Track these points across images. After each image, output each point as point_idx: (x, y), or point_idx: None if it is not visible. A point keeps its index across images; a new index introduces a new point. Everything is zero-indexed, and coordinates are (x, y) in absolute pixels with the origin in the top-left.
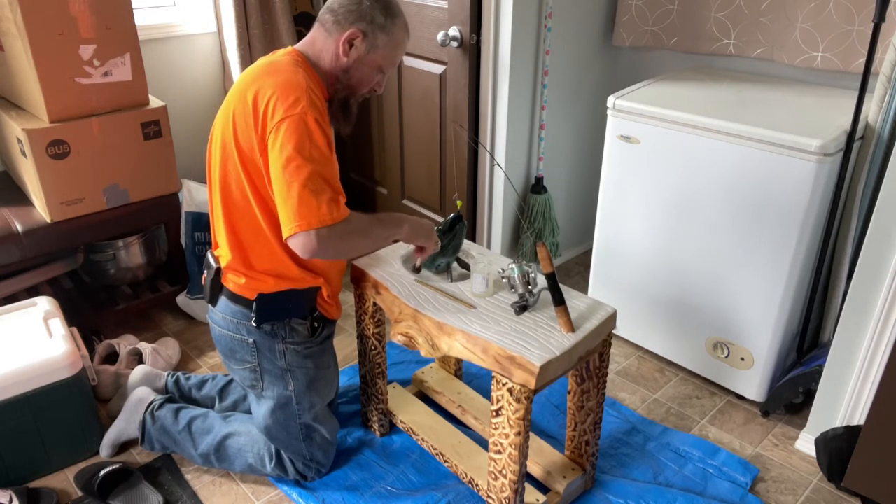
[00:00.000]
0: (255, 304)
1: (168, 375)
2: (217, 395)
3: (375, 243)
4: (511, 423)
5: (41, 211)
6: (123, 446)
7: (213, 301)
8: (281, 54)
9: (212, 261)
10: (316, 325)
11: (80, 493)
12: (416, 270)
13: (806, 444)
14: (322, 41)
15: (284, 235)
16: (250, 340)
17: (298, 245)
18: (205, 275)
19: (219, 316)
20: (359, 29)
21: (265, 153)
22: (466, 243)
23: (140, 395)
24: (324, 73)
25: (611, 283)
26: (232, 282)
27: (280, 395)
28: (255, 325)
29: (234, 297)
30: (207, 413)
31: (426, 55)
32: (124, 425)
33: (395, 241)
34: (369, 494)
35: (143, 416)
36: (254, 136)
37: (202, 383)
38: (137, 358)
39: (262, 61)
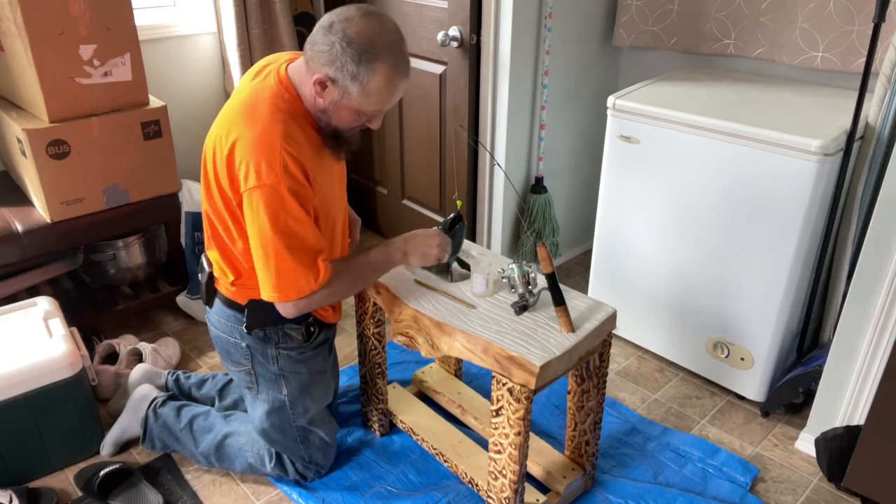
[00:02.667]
0: (245, 309)
1: (168, 374)
2: (217, 395)
3: (366, 288)
4: (511, 423)
5: (41, 211)
6: (124, 446)
7: (209, 303)
8: (269, 84)
9: (205, 263)
10: (312, 329)
11: (80, 493)
12: (450, 279)
13: (806, 444)
14: (304, 73)
15: (263, 296)
16: (243, 344)
17: (279, 308)
18: (200, 276)
19: (214, 318)
20: (327, 75)
21: (241, 205)
22: (466, 243)
23: (143, 392)
24: (308, 107)
25: (611, 283)
26: (224, 286)
27: (274, 399)
28: (245, 330)
29: (227, 301)
30: (209, 411)
31: (426, 55)
32: (127, 422)
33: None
34: (369, 494)
35: (145, 412)
36: (230, 188)
37: (202, 382)
38: (137, 358)
39: (247, 94)
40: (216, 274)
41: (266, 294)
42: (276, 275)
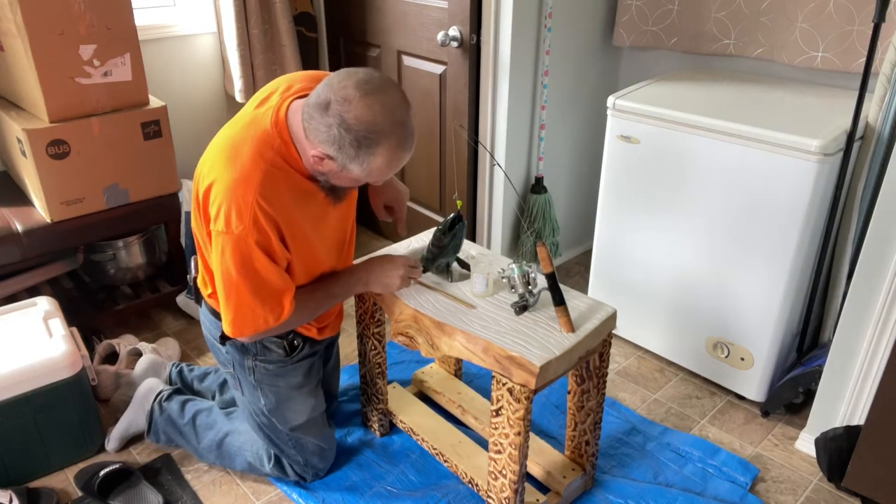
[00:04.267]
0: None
1: (173, 366)
2: (217, 388)
3: (326, 311)
4: (511, 422)
5: (41, 211)
6: (124, 446)
7: (199, 302)
8: (266, 122)
9: (192, 267)
10: (296, 343)
11: (80, 493)
12: (450, 279)
13: (806, 444)
14: (302, 129)
15: (223, 328)
16: (224, 350)
17: (234, 338)
18: (189, 277)
19: (203, 318)
20: (325, 153)
21: (209, 241)
22: (466, 243)
23: (150, 386)
24: (304, 160)
25: (611, 283)
26: (205, 294)
27: (256, 406)
28: (220, 341)
29: (208, 307)
30: (212, 408)
31: (426, 55)
32: (133, 416)
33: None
34: (369, 494)
35: (151, 405)
36: (202, 219)
37: (204, 375)
38: (137, 358)
39: (243, 123)
40: (199, 281)
41: (224, 325)
42: (234, 312)
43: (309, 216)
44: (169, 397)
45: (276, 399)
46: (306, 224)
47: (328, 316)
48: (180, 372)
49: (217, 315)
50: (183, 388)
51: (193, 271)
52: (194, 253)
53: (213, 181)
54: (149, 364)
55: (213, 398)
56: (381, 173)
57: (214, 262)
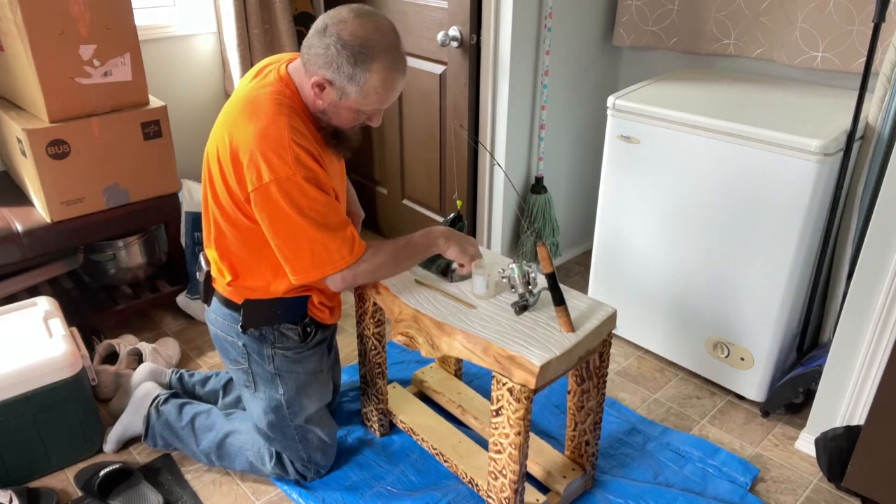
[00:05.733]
0: (241, 309)
1: (172, 373)
2: (221, 389)
3: (407, 267)
4: (511, 422)
5: (41, 211)
6: (125, 445)
7: (207, 301)
8: (270, 80)
9: (203, 262)
10: (308, 330)
11: (80, 493)
12: (450, 279)
13: (806, 444)
14: (303, 74)
15: (295, 281)
16: (240, 343)
17: (329, 284)
18: (198, 275)
19: (213, 316)
20: (324, 77)
21: (249, 202)
22: None
23: (146, 390)
24: (308, 106)
25: (611, 283)
26: (220, 286)
27: (271, 398)
28: (241, 329)
29: (224, 301)
30: (210, 409)
31: (426, 55)
32: (130, 419)
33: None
34: (369, 494)
35: (148, 409)
36: (237, 187)
37: (206, 380)
38: (137, 358)
39: (247, 93)
40: (213, 273)
41: (300, 277)
42: (310, 258)
43: (328, 164)
44: (166, 401)
45: (295, 386)
46: (328, 170)
47: (334, 297)
48: (180, 378)
49: (233, 307)
50: (183, 394)
51: (205, 266)
52: (195, 252)
53: (239, 141)
54: (148, 371)
55: (217, 401)
56: (378, 96)
57: (269, 221)
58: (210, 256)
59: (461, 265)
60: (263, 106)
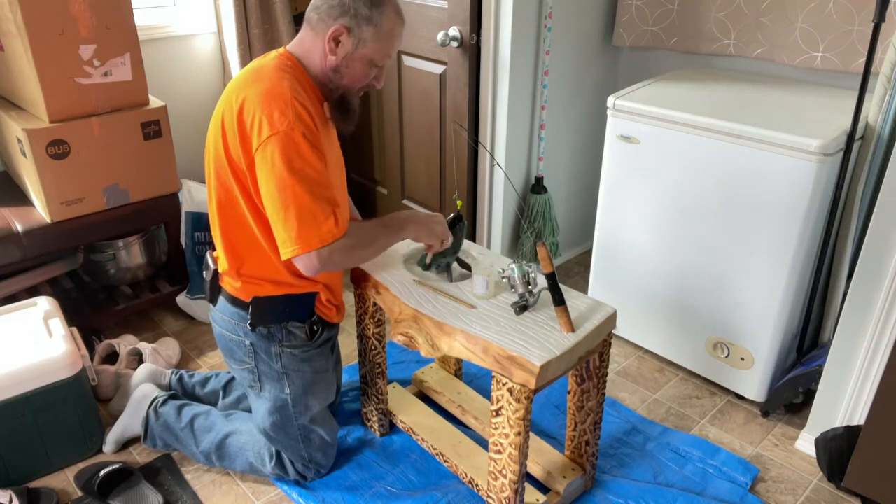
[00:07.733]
0: (250, 306)
1: (172, 373)
2: (221, 390)
3: (380, 250)
4: (511, 422)
5: (41, 211)
6: (124, 445)
7: (213, 301)
8: (271, 57)
9: (210, 262)
10: (315, 328)
11: (80, 493)
12: (426, 267)
13: (806, 444)
14: (310, 41)
15: (283, 257)
16: (247, 342)
17: (300, 265)
18: (204, 274)
19: (218, 316)
20: (343, 25)
21: (252, 167)
22: (466, 243)
23: (144, 392)
24: (315, 73)
25: (611, 283)
26: (229, 284)
27: (277, 398)
28: (250, 327)
29: (232, 299)
30: (210, 411)
31: (426, 55)
32: (129, 421)
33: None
34: (369, 494)
35: (146, 412)
36: (241, 150)
37: (206, 381)
38: (137, 358)
39: (250, 66)
40: (221, 270)
41: (287, 252)
42: (296, 223)
43: (327, 139)
44: (164, 403)
45: (301, 385)
46: (326, 144)
47: (337, 296)
48: (180, 379)
49: (241, 305)
50: (183, 395)
51: (212, 265)
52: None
53: (243, 101)
54: (148, 372)
55: (217, 402)
56: (389, 43)
57: (265, 181)
58: (218, 256)
59: (429, 246)
60: (267, 72)
